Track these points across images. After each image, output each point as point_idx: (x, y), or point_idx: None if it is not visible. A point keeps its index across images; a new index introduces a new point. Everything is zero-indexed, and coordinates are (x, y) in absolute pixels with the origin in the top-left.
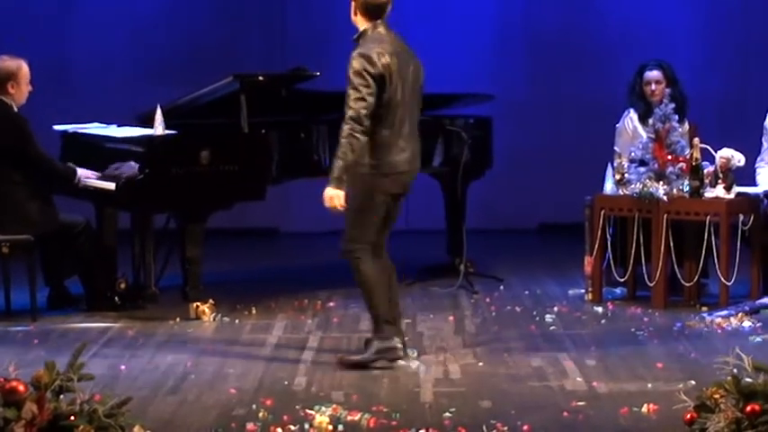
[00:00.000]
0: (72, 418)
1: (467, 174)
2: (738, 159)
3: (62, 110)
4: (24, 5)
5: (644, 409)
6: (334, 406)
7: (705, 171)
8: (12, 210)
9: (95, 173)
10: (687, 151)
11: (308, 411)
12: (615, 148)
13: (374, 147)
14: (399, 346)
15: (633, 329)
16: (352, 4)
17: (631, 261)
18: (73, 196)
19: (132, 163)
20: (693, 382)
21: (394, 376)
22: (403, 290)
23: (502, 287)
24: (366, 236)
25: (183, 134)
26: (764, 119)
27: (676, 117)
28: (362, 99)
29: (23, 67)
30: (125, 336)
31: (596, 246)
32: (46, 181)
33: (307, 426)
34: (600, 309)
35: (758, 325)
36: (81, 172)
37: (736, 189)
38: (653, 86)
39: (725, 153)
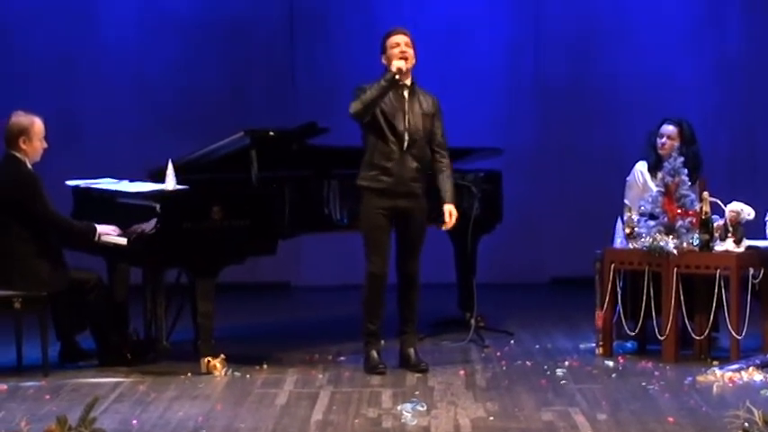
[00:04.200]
0: None
1: (477, 228)
2: (748, 213)
3: (72, 165)
4: (33, 60)
5: None
6: None
7: (715, 225)
8: (22, 267)
9: (115, 228)
10: (697, 205)
11: None
12: (625, 200)
13: None
14: (375, 356)
15: (644, 383)
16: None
17: (642, 315)
18: (86, 252)
19: (153, 221)
20: None
21: (406, 430)
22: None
23: (512, 341)
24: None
25: (194, 189)
26: None
27: (686, 171)
28: None
29: (36, 123)
30: (136, 390)
31: (607, 300)
32: (57, 238)
33: None
34: (611, 363)
35: None
36: (101, 229)
37: (746, 243)
38: (664, 140)
39: (734, 207)
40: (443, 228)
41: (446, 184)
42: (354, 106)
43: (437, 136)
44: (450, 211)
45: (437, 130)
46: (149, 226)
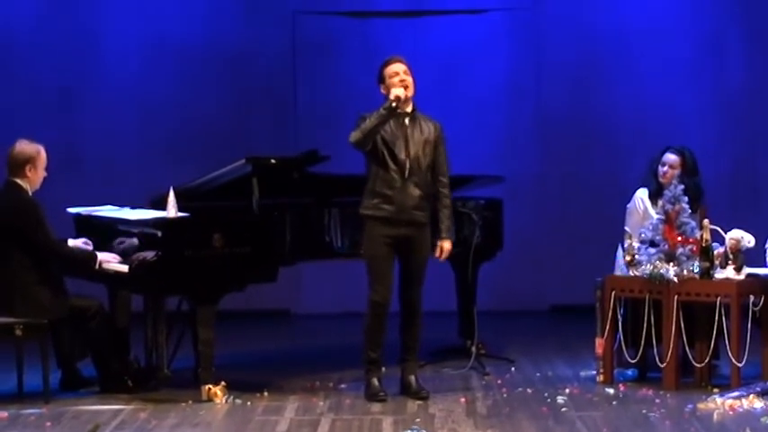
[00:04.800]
0: None
1: (478, 255)
2: (748, 241)
3: (74, 192)
4: (35, 88)
5: None
6: None
7: (715, 252)
8: (23, 294)
9: (115, 256)
10: (697, 232)
11: None
12: (625, 228)
13: None
14: (376, 384)
15: (645, 411)
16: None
17: (642, 342)
18: (87, 279)
19: (135, 240)
20: None
21: None
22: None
23: (513, 369)
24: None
25: (195, 216)
26: None
27: (686, 199)
28: None
29: (42, 153)
30: (137, 418)
31: (607, 327)
32: (58, 266)
33: None
34: (611, 390)
35: None
36: (101, 256)
37: (747, 270)
38: (666, 168)
39: (735, 234)
40: (439, 259)
41: (444, 218)
42: (354, 135)
43: (439, 164)
44: (441, 246)
45: (440, 157)
46: (131, 244)
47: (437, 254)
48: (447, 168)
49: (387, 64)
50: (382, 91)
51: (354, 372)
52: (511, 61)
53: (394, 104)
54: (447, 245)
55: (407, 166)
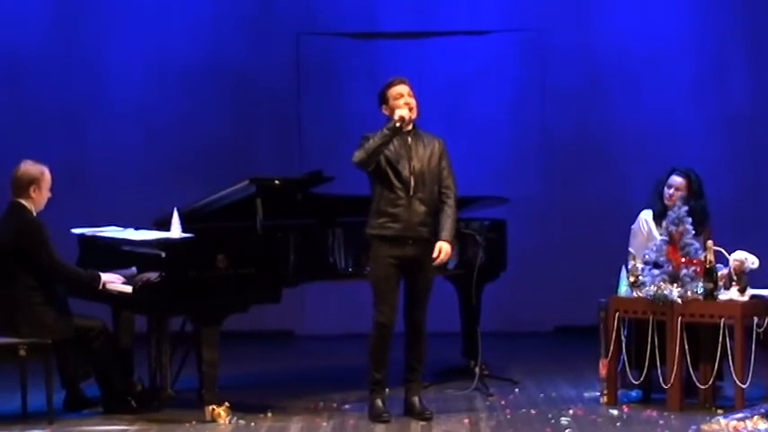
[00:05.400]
0: None
1: (482, 276)
2: (752, 262)
3: (78, 213)
4: (40, 109)
5: None
6: None
7: (719, 273)
8: (27, 314)
9: (119, 277)
10: (701, 254)
11: None
12: (630, 249)
13: None
14: (379, 405)
15: None
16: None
17: (646, 363)
18: (91, 300)
19: (134, 269)
20: None
21: None
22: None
23: (517, 390)
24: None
25: (199, 237)
26: None
27: (690, 220)
28: None
29: (46, 174)
30: None
31: (611, 348)
32: (62, 286)
33: None
34: (615, 411)
35: None
36: (105, 277)
37: (751, 291)
38: (671, 191)
39: (738, 256)
40: (434, 263)
41: (445, 221)
42: (358, 155)
43: (444, 178)
44: (440, 248)
45: (444, 171)
46: (130, 272)
47: (434, 254)
48: (453, 181)
49: (390, 85)
50: (384, 112)
51: (358, 392)
52: (515, 83)
53: (398, 125)
54: (446, 246)
55: (412, 182)
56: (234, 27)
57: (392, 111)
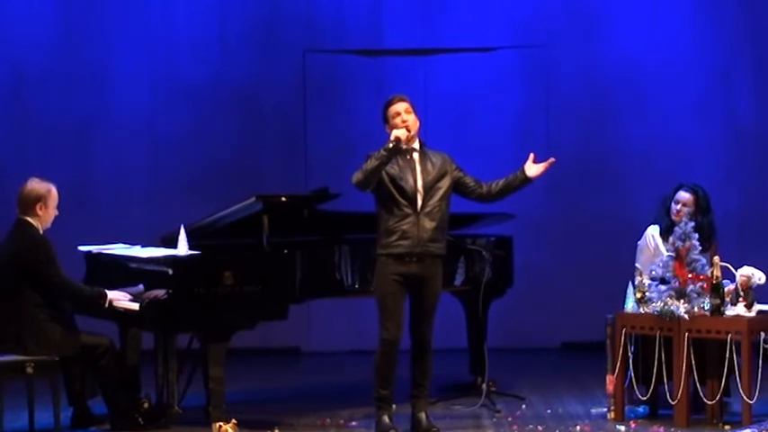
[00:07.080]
0: None
1: (488, 292)
2: (759, 277)
3: (85, 230)
4: (46, 126)
5: None
6: None
7: (726, 289)
8: (33, 332)
9: (126, 294)
10: (707, 269)
11: None
12: (636, 264)
13: None
14: (386, 421)
15: None
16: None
17: (653, 379)
18: (98, 317)
19: (141, 286)
20: None
21: None
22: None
23: (524, 406)
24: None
25: (206, 254)
26: None
27: (696, 236)
28: None
29: (53, 191)
30: None
31: (618, 364)
32: (69, 304)
33: None
34: (622, 428)
35: None
36: (111, 295)
37: (757, 307)
38: (679, 207)
39: (745, 271)
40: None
41: (502, 179)
42: (356, 176)
43: (469, 183)
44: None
45: (464, 179)
46: (137, 290)
47: (543, 168)
48: (476, 178)
49: (389, 104)
50: (387, 130)
51: (365, 409)
52: (521, 99)
53: (391, 145)
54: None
55: (419, 198)
56: (240, 44)
57: (393, 129)
